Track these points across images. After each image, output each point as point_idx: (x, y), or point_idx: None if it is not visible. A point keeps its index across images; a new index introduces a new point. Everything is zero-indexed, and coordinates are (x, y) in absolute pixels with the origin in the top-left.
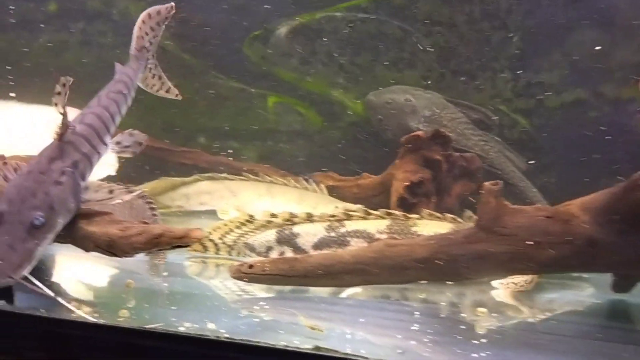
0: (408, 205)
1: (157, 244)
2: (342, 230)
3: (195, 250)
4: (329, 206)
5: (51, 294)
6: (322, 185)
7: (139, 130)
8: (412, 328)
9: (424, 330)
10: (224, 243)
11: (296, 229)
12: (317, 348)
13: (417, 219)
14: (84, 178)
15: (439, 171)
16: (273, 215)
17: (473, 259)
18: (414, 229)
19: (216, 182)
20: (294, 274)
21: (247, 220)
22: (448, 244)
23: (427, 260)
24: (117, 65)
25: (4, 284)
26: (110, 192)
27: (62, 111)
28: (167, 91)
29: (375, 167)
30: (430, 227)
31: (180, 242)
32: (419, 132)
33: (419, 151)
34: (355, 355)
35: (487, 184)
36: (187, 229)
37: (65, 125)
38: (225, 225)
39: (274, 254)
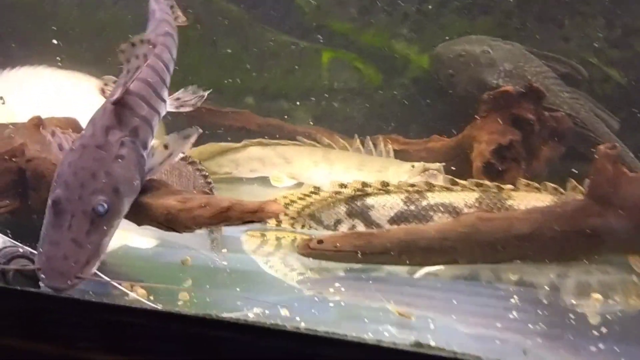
0: (495, 172)
1: (225, 218)
2: (424, 203)
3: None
4: (402, 167)
5: (106, 279)
6: (390, 147)
7: None
8: (511, 316)
9: (526, 319)
10: (286, 215)
11: (369, 200)
12: (418, 344)
13: (512, 190)
14: (145, 147)
15: (529, 132)
16: (342, 186)
17: (585, 236)
18: (509, 202)
19: (267, 147)
20: (371, 250)
21: (312, 192)
22: (554, 218)
23: (528, 237)
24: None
25: (72, 286)
26: (168, 153)
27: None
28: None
29: (443, 128)
30: (529, 199)
31: (253, 217)
32: (508, 88)
33: (507, 109)
34: (466, 355)
35: (602, 147)
36: (260, 202)
37: (125, 86)
38: (286, 197)
39: (343, 228)
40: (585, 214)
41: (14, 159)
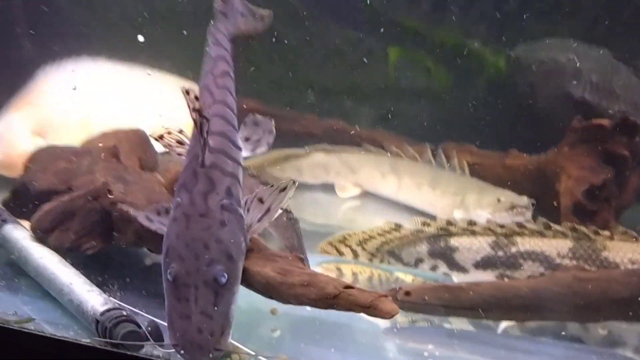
0: (586, 213)
1: (331, 304)
2: (513, 249)
3: (328, 253)
4: (484, 196)
5: (251, 352)
6: (464, 162)
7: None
8: None
9: None
10: (364, 249)
11: (453, 241)
12: None
13: (608, 238)
14: (239, 204)
15: (622, 169)
16: (425, 224)
17: None
18: (604, 254)
19: (331, 154)
20: (458, 305)
21: (393, 229)
22: None
23: (627, 301)
24: (211, 33)
25: (213, 359)
26: (265, 208)
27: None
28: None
29: (519, 143)
30: (625, 251)
31: (362, 311)
32: (603, 122)
33: (600, 143)
34: None
35: None
36: (373, 297)
37: (205, 146)
38: (364, 232)
39: (424, 267)
40: None
41: (97, 200)
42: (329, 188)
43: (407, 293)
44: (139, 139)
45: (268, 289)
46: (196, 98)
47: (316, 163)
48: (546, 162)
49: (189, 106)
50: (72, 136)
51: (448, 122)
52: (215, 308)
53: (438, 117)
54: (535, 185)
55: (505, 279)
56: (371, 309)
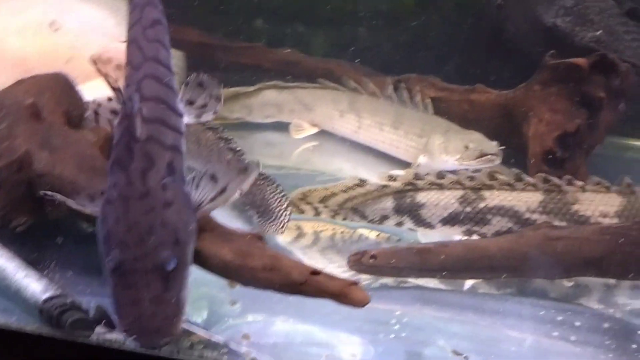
0: (554, 160)
1: (298, 291)
2: (481, 205)
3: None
4: (451, 140)
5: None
6: (428, 102)
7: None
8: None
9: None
10: (326, 207)
11: (420, 197)
12: None
13: (580, 189)
14: (184, 180)
15: (598, 110)
16: (391, 178)
17: None
18: (575, 207)
19: (284, 91)
20: (427, 267)
21: (357, 185)
22: (629, 243)
23: (599, 261)
24: None
25: (166, 343)
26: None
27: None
28: None
29: (486, 74)
30: (596, 204)
31: (332, 298)
32: (579, 62)
33: (576, 84)
34: None
35: None
36: (343, 283)
37: (139, 115)
38: (327, 189)
39: (390, 224)
40: None
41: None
42: (283, 127)
43: (374, 257)
44: (63, 87)
45: (226, 273)
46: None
47: (267, 101)
48: (514, 100)
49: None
50: None
51: (411, 51)
52: (166, 294)
53: (400, 45)
54: (503, 124)
55: (473, 235)
56: (341, 297)
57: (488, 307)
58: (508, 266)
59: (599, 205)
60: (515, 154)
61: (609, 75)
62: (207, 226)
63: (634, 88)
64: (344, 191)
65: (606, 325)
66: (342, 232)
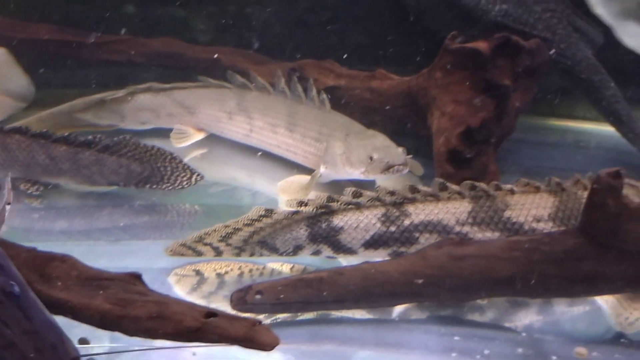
0: (462, 160)
1: (195, 338)
2: (406, 222)
3: (182, 255)
4: (353, 149)
5: None
6: (324, 97)
7: None
8: None
9: None
10: (228, 245)
11: (337, 220)
12: None
13: (509, 193)
14: None
15: (504, 98)
16: (301, 204)
17: (576, 281)
18: (506, 213)
19: (160, 94)
20: (321, 299)
21: (262, 215)
22: (540, 260)
23: (509, 280)
24: None
25: None
26: None
27: None
28: None
29: (390, 55)
30: (528, 207)
31: (236, 344)
32: (480, 47)
33: (478, 71)
34: None
35: (603, 173)
36: (246, 324)
37: None
38: (228, 226)
39: (305, 253)
40: (578, 256)
41: None
42: (165, 134)
43: (259, 292)
44: None
45: (106, 325)
46: None
47: (141, 106)
48: (417, 87)
49: None
50: None
51: (306, 31)
52: (31, 321)
53: (292, 25)
54: (407, 113)
55: None
56: (246, 342)
57: (392, 339)
58: (411, 291)
59: (531, 208)
60: (425, 147)
61: (515, 58)
62: (71, 272)
63: (548, 65)
64: (248, 225)
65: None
66: (250, 270)
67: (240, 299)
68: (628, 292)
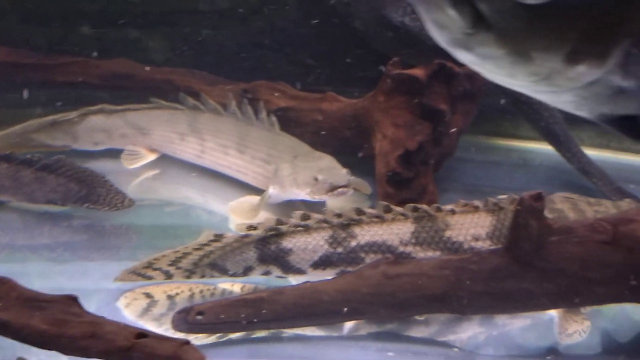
0: (401, 181)
1: (125, 358)
2: (353, 243)
3: (132, 281)
4: (300, 171)
5: None
6: (274, 120)
7: None
8: None
9: None
10: (178, 269)
11: (286, 242)
12: None
13: (450, 213)
14: None
15: (441, 120)
16: (250, 228)
17: (502, 298)
18: (447, 233)
19: (113, 115)
20: (262, 318)
21: (212, 240)
22: (468, 278)
23: (440, 298)
24: None
25: None
26: None
27: None
28: None
29: (337, 77)
30: (467, 227)
31: None
32: (417, 74)
33: (415, 97)
34: None
35: (526, 195)
36: (175, 344)
37: None
38: (177, 251)
39: (255, 274)
40: (503, 275)
41: None
42: (115, 154)
43: (201, 313)
44: None
45: (44, 344)
46: None
47: (94, 127)
48: (363, 110)
49: None
50: None
51: (257, 53)
52: None
53: (245, 47)
54: (355, 135)
55: None
56: None
57: (327, 355)
58: (349, 309)
59: (469, 228)
60: (373, 167)
61: (451, 83)
62: (10, 293)
63: (488, 87)
64: (198, 249)
65: None
66: (201, 291)
67: (182, 319)
68: (551, 309)
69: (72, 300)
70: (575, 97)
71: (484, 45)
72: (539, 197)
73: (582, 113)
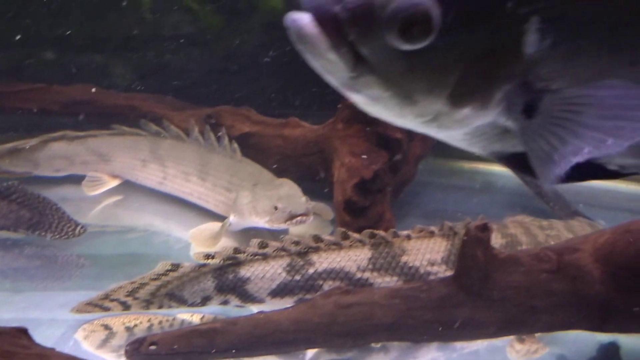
0: (358, 209)
1: None
2: (310, 271)
3: (88, 313)
4: (259, 199)
5: None
6: (236, 147)
7: None
8: None
9: None
10: (135, 299)
11: (244, 271)
12: None
13: (406, 239)
14: None
15: (398, 149)
16: (207, 257)
17: (451, 327)
18: (403, 258)
19: (74, 142)
20: (215, 349)
21: (169, 270)
22: (418, 307)
23: (391, 326)
24: None
25: None
26: None
27: None
28: None
29: (305, 99)
30: (423, 252)
31: None
32: None
33: (372, 125)
34: None
35: (472, 226)
36: None
37: None
38: (133, 282)
39: (213, 304)
40: (451, 304)
41: None
42: (78, 180)
43: (154, 343)
44: None
45: None
46: None
47: (55, 154)
48: (323, 137)
49: None
50: None
51: (222, 78)
52: None
53: (210, 72)
54: (317, 161)
55: None
56: None
57: None
58: (302, 338)
59: (425, 253)
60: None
61: None
62: None
63: None
64: (155, 279)
65: None
66: (160, 322)
67: (135, 350)
68: (499, 337)
69: (22, 332)
70: (466, 137)
71: (369, 87)
72: (484, 228)
73: (475, 150)
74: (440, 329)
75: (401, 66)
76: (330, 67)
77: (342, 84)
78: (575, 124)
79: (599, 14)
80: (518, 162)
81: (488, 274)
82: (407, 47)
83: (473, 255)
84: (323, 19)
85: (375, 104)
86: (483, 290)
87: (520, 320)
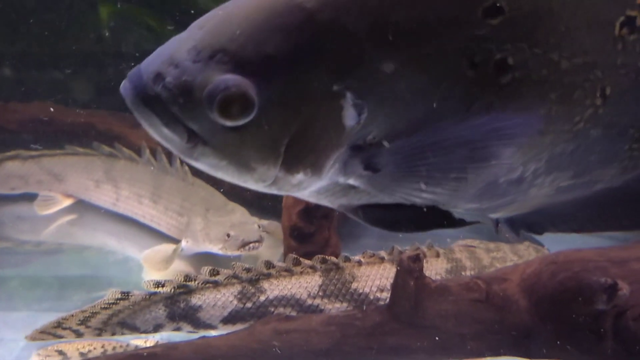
0: (304, 236)
1: None
2: (262, 298)
3: (42, 340)
4: (212, 226)
5: None
6: (187, 169)
7: None
8: None
9: None
10: (88, 327)
11: (195, 299)
12: None
13: (356, 265)
14: None
15: None
16: (158, 285)
17: (383, 353)
18: (353, 285)
19: (28, 161)
20: None
21: (120, 299)
22: (353, 334)
23: (327, 352)
24: None
25: None
26: None
27: None
28: None
29: None
30: (372, 278)
31: None
32: None
33: None
34: None
35: (405, 256)
36: None
37: None
38: (84, 311)
39: (166, 331)
40: (384, 331)
41: None
42: (29, 198)
43: None
44: None
45: None
46: None
47: (10, 173)
48: None
49: None
50: None
51: None
52: None
53: None
54: None
55: None
56: None
57: None
58: None
59: (375, 279)
60: None
61: None
62: None
63: None
64: (106, 308)
65: None
66: (114, 348)
67: None
68: None
69: None
70: (312, 195)
71: (206, 157)
72: (417, 259)
73: (324, 204)
74: (373, 356)
75: (231, 139)
76: (167, 138)
77: (181, 153)
78: (421, 167)
79: (411, 81)
80: (365, 213)
81: (419, 303)
82: (230, 123)
83: (405, 285)
84: (147, 98)
85: (216, 171)
86: (414, 319)
87: (448, 347)
